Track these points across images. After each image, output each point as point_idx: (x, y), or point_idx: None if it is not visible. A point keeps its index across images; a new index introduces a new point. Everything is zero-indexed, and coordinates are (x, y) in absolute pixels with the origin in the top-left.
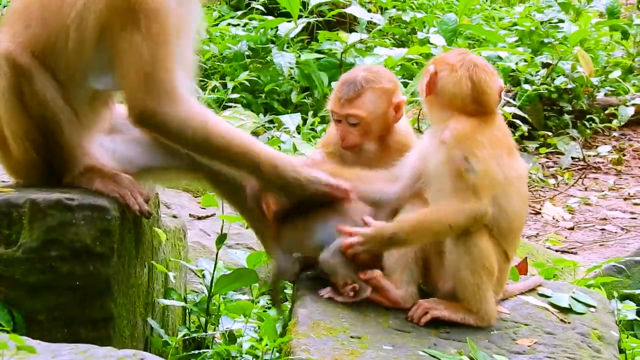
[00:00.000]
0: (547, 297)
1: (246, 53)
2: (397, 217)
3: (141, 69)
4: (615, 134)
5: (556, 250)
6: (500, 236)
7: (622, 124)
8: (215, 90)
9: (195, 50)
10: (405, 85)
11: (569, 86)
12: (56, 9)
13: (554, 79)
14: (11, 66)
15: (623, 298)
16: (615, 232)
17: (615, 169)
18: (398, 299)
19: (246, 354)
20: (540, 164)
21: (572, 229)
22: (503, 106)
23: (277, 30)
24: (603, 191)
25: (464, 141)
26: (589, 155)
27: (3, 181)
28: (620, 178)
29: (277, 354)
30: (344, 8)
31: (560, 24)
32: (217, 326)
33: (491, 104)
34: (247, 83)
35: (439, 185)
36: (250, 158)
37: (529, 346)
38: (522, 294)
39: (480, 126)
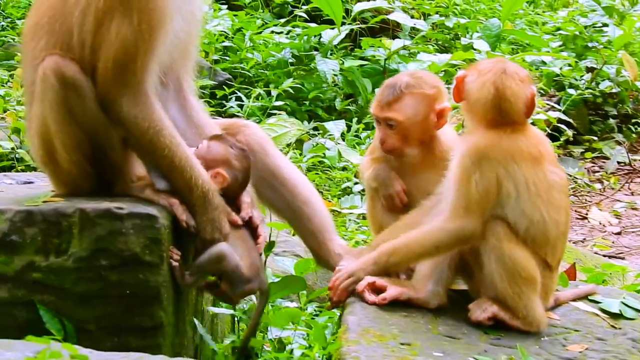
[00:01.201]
0: (597, 302)
1: (290, 60)
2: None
3: (118, 58)
4: None
5: (604, 255)
6: (535, 246)
7: None
8: (260, 98)
9: (197, 32)
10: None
11: (613, 90)
12: (64, 12)
13: (599, 83)
14: (60, 80)
15: None
16: None
17: None
18: (419, 301)
19: None
20: (585, 168)
21: (619, 233)
22: (547, 111)
23: (320, 38)
24: None
25: (477, 159)
26: (635, 160)
27: (52, 190)
28: None
29: None
30: (387, 15)
31: (605, 28)
32: (266, 334)
33: (513, 113)
34: (291, 90)
35: (446, 199)
36: (187, 178)
37: (579, 352)
38: (574, 300)
39: (501, 140)
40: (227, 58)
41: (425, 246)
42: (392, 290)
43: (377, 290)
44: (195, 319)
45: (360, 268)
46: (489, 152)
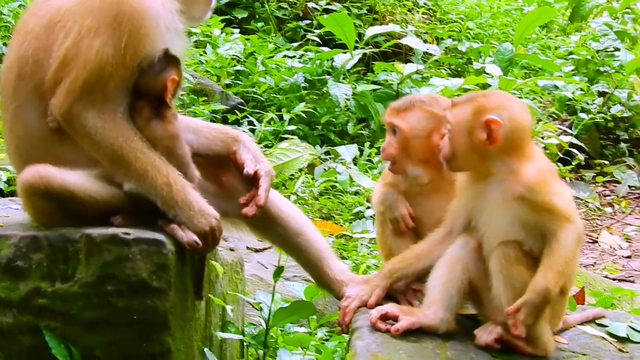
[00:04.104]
0: (604, 326)
1: (302, 85)
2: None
3: (92, 76)
4: None
5: (613, 279)
6: None
7: None
8: (272, 122)
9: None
10: None
11: (625, 114)
12: (49, 39)
13: (610, 108)
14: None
15: None
16: None
17: None
18: (430, 328)
19: None
20: (597, 192)
21: (629, 257)
22: (559, 135)
23: (333, 62)
24: None
25: (541, 186)
26: None
27: None
28: None
29: None
30: (399, 39)
31: (616, 53)
32: (275, 359)
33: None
34: (303, 115)
35: (520, 232)
36: (164, 175)
37: None
38: (582, 324)
39: (537, 162)
40: (240, 82)
41: (572, 260)
42: (405, 322)
43: (389, 318)
44: (203, 345)
45: (369, 289)
46: (546, 176)
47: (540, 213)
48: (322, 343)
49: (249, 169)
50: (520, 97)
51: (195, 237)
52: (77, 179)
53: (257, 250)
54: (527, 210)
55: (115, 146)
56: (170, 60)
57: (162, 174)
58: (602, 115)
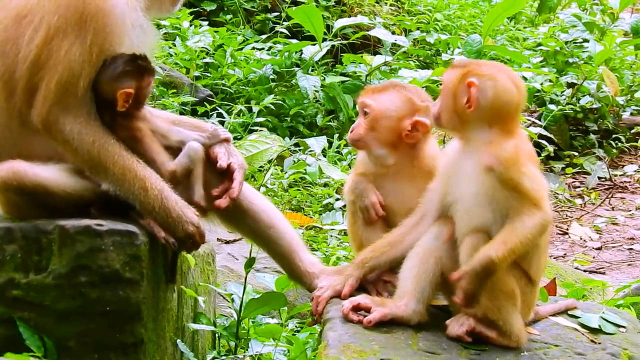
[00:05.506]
0: (576, 317)
1: (271, 77)
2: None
3: (63, 77)
4: None
5: (584, 271)
6: (520, 259)
7: None
8: (241, 114)
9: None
10: None
11: (594, 106)
12: (17, 33)
13: (580, 99)
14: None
15: None
16: None
17: None
18: (402, 320)
19: None
20: (566, 184)
21: (599, 248)
22: (528, 126)
23: (301, 54)
24: (630, 210)
25: (513, 163)
26: (616, 175)
27: None
28: None
29: None
30: (368, 31)
31: (585, 44)
32: (247, 350)
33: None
34: (272, 107)
35: (487, 211)
36: (140, 179)
37: None
38: (554, 315)
39: (517, 141)
40: (209, 74)
41: (521, 247)
42: (377, 313)
43: (362, 309)
44: (175, 336)
45: (343, 279)
46: (519, 154)
47: (507, 190)
48: (294, 334)
49: (222, 162)
50: None
51: (173, 239)
52: (50, 174)
53: (227, 242)
54: (495, 185)
55: (92, 152)
56: (130, 70)
57: (139, 177)
58: (571, 106)
